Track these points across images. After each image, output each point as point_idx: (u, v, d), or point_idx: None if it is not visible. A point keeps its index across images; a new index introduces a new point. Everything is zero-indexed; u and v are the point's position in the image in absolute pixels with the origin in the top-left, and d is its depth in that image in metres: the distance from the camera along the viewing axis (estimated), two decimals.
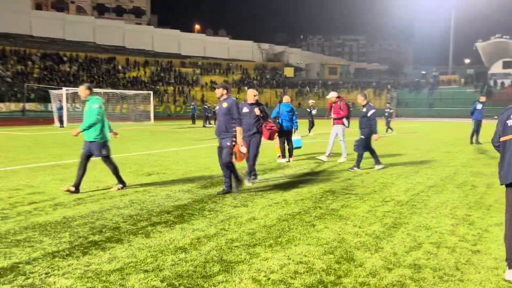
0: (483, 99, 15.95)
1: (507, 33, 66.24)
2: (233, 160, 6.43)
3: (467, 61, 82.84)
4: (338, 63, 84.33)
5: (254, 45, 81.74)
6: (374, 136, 8.91)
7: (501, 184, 3.54)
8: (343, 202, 6.01)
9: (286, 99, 10.80)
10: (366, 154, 9.14)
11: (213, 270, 3.50)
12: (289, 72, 76.25)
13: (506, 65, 65.17)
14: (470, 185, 7.26)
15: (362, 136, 8.90)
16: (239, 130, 6.36)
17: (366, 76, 79.92)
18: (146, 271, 3.48)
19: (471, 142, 14.96)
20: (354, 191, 6.83)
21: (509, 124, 3.51)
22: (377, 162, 9.14)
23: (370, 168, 9.19)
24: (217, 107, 6.68)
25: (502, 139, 3.58)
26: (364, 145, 8.93)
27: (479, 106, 15.28)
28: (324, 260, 3.77)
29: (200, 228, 4.73)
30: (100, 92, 32.63)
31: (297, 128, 10.55)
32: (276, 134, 8.63)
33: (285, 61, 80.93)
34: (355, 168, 8.91)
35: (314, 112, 22.03)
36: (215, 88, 6.70)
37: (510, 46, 60.68)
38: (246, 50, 79.76)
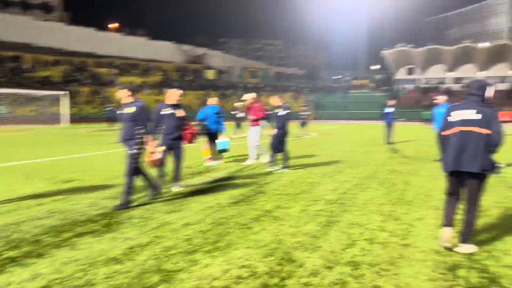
0: (391, 102, 17.21)
1: (410, 42, 72.69)
2: (150, 166, 6.17)
3: (376, 67, 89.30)
4: (259, 67, 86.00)
5: (175, 46, 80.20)
6: (273, 131, 9.02)
7: (445, 172, 4.09)
8: (276, 203, 6.04)
9: (213, 101, 10.67)
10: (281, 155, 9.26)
11: (152, 281, 3.28)
12: (211, 74, 76.01)
13: (409, 71, 71.52)
14: (390, 183, 7.73)
15: (276, 136, 8.99)
16: (148, 139, 5.78)
17: (286, 80, 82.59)
18: (76, 286, 3.15)
19: (386, 142, 16.06)
20: (285, 191, 6.91)
21: (449, 120, 4.03)
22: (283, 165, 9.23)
23: (299, 168, 9.41)
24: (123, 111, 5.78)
25: (443, 133, 4.10)
26: (280, 144, 9.06)
27: (388, 109, 16.46)
28: (266, 262, 3.72)
29: (132, 236, 4.43)
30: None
31: (224, 131, 10.47)
32: (201, 136, 8.39)
33: (206, 63, 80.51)
34: (285, 169, 9.06)
35: (240, 115, 22.11)
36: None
37: (412, 54, 66.64)
38: (166, 51, 77.87)
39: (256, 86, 71.51)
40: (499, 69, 65.28)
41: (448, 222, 4.05)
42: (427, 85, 68.87)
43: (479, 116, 3.85)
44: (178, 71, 73.28)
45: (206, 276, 3.40)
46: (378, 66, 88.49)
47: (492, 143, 3.81)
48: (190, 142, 7.10)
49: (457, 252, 3.94)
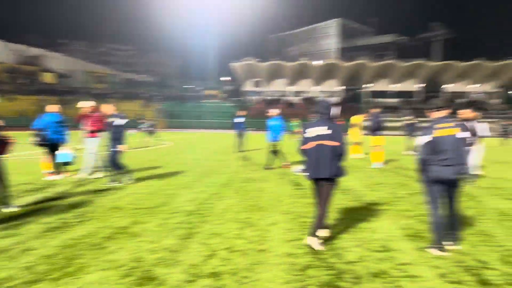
0: (242, 113, 18.14)
1: (257, 56, 77.85)
2: None
3: (226, 78, 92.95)
4: (106, 72, 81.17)
5: (3, 45, 70.14)
6: (121, 147, 8.41)
7: (309, 179, 4.66)
8: (132, 218, 5.72)
9: (53, 108, 9.56)
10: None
11: None
12: (49, 77, 68.64)
13: (255, 84, 76.45)
14: (244, 190, 8.06)
15: (113, 149, 8.38)
16: None
17: (136, 87, 79.79)
18: None
19: (237, 151, 16.76)
20: (142, 205, 6.60)
21: (306, 137, 4.66)
22: (120, 180, 8.64)
23: (155, 179, 9.11)
24: None
25: (303, 148, 4.69)
26: (115, 158, 8.46)
27: (239, 119, 17.26)
28: (124, 284, 3.48)
29: None
30: None
31: (66, 141, 9.47)
32: (41, 147, 7.33)
33: (43, 65, 72.40)
34: (128, 181, 8.60)
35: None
36: None
37: (258, 67, 71.37)
38: None
39: (102, 93, 67.30)
40: (329, 85, 74.62)
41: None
42: (271, 97, 74.59)
43: (329, 131, 4.57)
44: (8, 72, 64.22)
45: None
46: (228, 78, 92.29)
47: (338, 153, 4.55)
48: (2, 153, 6.11)
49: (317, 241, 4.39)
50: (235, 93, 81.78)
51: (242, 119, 17.28)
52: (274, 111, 11.61)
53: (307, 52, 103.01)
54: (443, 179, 4.31)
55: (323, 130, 4.59)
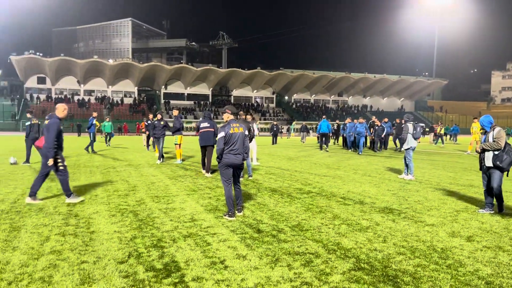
0: (95, 114, 18.90)
1: (41, 51, 70.05)
2: None
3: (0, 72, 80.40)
4: None
5: None
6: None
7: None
8: None
9: None
10: None
11: None
12: None
13: (40, 80, 68.69)
14: (42, 188, 8.25)
15: None
16: None
17: None
18: None
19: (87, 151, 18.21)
20: None
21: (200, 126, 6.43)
22: None
23: None
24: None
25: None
26: None
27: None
28: None
29: None
30: None
31: None
32: None
33: None
34: None
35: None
36: None
37: (42, 62, 64.26)
38: None
39: None
40: (124, 85, 73.24)
41: None
42: (60, 96, 68.46)
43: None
44: None
45: None
46: (0, 71, 79.96)
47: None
48: None
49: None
50: (15, 90, 71.65)
51: (94, 121, 18.50)
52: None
53: (99, 50, 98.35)
54: (233, 164, 5.99)
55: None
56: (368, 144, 23.43)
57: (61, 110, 6.94)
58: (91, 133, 18.30)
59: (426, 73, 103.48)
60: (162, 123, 14.03)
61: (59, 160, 6.82)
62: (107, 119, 23.54)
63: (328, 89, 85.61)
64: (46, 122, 6.81)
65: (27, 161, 12.87)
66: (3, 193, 7.68)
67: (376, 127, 21.66)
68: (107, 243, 4.71)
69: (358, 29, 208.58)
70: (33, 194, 6.87)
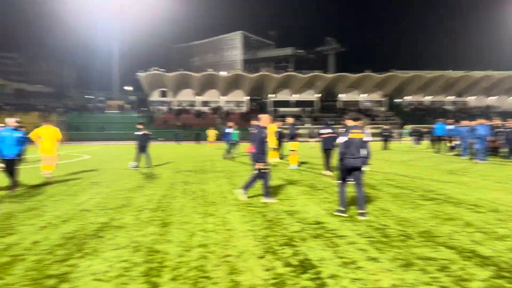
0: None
1: (162, 67, 77.61)
2: None
3: (129, 88, 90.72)
4: None
5: None
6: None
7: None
8: (107, 216, 6.57)
9: None
10: None
11: None
12: None
13: (162, 93, 76.02)
14: (190, 191, 9.19)
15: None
16: None
17: (29, 98, 74.34)
18: None
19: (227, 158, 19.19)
20: (106, 206, 7.41)
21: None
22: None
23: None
24: None
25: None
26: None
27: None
28: (138, 256, 4.52)
29: None
30: None
31: None
32: None
33: None
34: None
35: None
36: None
37: (164, 77, 71.22)
38: None
39: None
40: (235, 95, 77.30)
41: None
42: (179, 107, 74.86)
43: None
44: None
45: None
46: (131, 88, 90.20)
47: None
48: None
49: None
50: (141, 103, 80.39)
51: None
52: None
53: (212, 63, 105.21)
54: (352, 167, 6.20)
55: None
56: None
57: (266, 120, 7.95)
58: (227, 141, 19.80)
59: None
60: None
61: (263, 164, 7.69)
62: (233, 127, 23.00)
63: (445, 90, 79.57)
64: (254, 131, 7.76)
65: (136, 165, 14.52)
66: (148, 194, 8.82)
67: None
68: (243, 239, 5.20)
69: (474, 24, 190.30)
70: (244, 191, 8.00)
